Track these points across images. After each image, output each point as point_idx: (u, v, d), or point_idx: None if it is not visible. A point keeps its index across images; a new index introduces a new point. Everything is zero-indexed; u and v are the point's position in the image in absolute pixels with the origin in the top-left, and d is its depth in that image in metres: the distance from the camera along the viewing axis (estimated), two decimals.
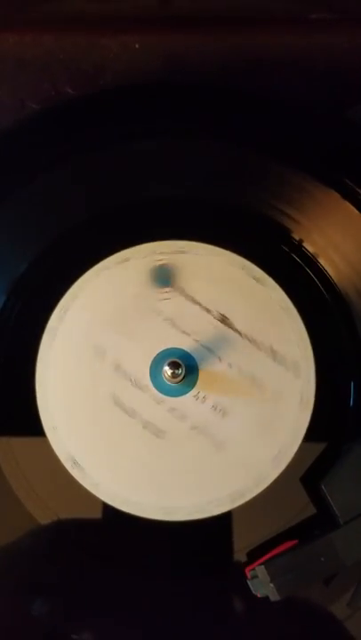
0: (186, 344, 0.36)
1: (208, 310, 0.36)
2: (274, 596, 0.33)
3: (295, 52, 0.44)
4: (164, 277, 0.36)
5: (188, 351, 0.36)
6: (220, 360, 0.36)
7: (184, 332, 0.36)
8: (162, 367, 0.35)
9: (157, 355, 0.36)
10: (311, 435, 0.35)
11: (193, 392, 0.36)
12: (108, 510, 0.35)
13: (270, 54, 0.43)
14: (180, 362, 0.35)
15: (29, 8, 0.42)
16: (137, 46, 0.42)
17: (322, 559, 0.33)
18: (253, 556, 0.34)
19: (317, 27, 0.44)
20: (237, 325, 0.36)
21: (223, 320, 0.36)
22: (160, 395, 0.36)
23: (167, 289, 0.36)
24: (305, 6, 0.43)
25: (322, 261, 0.37)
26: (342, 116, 0.42)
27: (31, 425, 0.36)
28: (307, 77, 0.44)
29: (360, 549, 0.33)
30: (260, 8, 0.43)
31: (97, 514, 0.35)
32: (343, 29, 0.44)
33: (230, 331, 0.36)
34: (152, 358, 0.36)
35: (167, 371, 0.35)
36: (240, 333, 0.36)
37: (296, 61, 0.44)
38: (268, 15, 0.43)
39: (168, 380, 0.35)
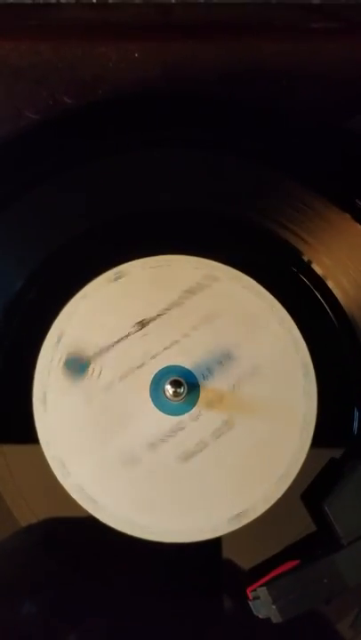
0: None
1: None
2: (276, 618, 0.33)
3: (295, 62, 0.44)
4: (76, 367, 0.35)
5: (192, 370, 0.35)
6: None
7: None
8: (163, 384, 0.35)
9: (159, 371, 0.36)
10: (313, 452, 0.35)
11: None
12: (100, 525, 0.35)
13: (270, 63, 0.43)
14: (181, 380, 0.34)
15: (27, 16, 0.41)
16: (136, 55, 0.41)
17: (325, 580, 0.33)
18: (255, 575, 0.34)
19: (318, 36, 0.44)
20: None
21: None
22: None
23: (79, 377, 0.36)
24: (305, 15, 0.43)
25: (330, 283, 0.37)
26: (344, 126, 0.42)
27: (25, 431, 0.35)
28: (307, 87, 0.44)
29: None
30: (260, 17, 0.43)
31: (87, 526, 0.35)
32: (343, 38, 0.44)
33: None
34: (153, 375, 0.36)
35: (169, 389, 0.34)
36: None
37: (296, 70, 0.43)
38: (267, 24, 0.43)
39: (169, 399, 0.35)
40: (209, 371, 0.35)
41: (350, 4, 0.44)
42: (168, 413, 0.35)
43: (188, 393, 0.35)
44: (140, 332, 0.36)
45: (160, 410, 0.35)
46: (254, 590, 0.33)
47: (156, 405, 0.35)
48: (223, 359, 0.35)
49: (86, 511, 0.35)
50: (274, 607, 0.33)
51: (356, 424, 0.35)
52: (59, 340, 0.36)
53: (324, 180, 0.37)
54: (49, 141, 0.39)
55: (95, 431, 0.35)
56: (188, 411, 0.35)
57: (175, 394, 0.34)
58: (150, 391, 0.36)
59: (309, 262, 0.37)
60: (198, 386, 0.35)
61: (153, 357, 0.36)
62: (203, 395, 0.35)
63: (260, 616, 0.33)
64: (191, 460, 0.35)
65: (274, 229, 0.37)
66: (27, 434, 0.35)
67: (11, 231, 0.37)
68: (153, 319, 0.36)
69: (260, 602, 0.33)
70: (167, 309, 0.36)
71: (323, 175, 0.37)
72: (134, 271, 0.36)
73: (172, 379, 0.34)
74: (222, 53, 0.42)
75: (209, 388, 0.35)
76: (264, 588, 0.33)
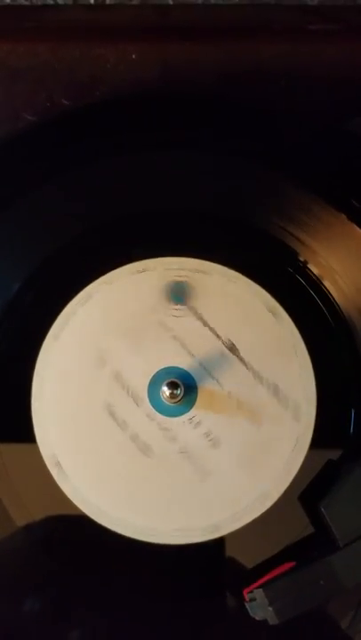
0: (188, 364, 0.35)
1: (217, 334, 0.36)
2: (272, 620, 0.33)
3: (293, 63, 0.43)
4: (178, 294, 0.35)
5: (190, 372, 0.35)
6: (220, 387, 0.35)
7: (189, 352, 0.36)
8: (161, 384, 0.35)
9: (159, 371, 0.36)
10: (311, 454, 0.35)
11: (188, 415, 0.35)
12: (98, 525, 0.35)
13: (268, 65, 0.43)
14: (179, 382, 0.34)
15: (24, 17, 0.41)
16: (134, 56, 0.41)
17: (321, 582, 0.33)
18: (251, 576, 0.34)
19: (316, 37, 0.44)
20: (244, 355, 0.36)
21: (231, 347, 0.36)
22: (155, 412, 0.35)
23: (180, 306, 0.36)
24: (304, 17, 0.43)
25: (326, 283, 0.37)
26: (343, 128, 0.41)
27: (22, 431, 0.36)
28: (305, 88, 0.43)
29: (360, 572, 0.33)
30: (259, 18, 0.43)
31: (80, 522, 0.35)
32: (342, 40, 0.44)
33: (236, 359, 0.35)
34: (153, 374, 0.36)
35: (165, 390, 0.34)
36: (245, 364, 0.35)
37: (294, 72, 0.43)
38: (266, 26, 0.43)
39: (166, 400, 0.35)
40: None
41: (349, 5, 0.44)
42: (165, 415, 0.35)
43: (186, 395, 0.35)
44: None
45: (157, 411, 0.35)
46: (251, 592, 0.33)
47: (153, 407, 0.35)
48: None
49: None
50: (270, 609, 0.33)
51: (353, 425, 0.35)
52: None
53: (320, 180, 0.37)
54: (47, 143, 0.39)
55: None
56: (185, 412, 0.35)
57: (172, 395, 0.34)
58: (148, 392, 0.36)
59: (305, 263, 0.37)
60: (196, 387, 0.35)
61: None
62: (200, 396, 0.35)
63: (257, 618, 0.33)
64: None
65: (270, 230, 0.37)
66: (23, 433, 0.36)
67: (8, 233, 0.37)
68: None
69: (256, 603, 0.33)
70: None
71: (319, 176, 0.37)
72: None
73: (168, 380, 0.34)
74: (220, 55, 0.42)
75: (207, 389, 0.35)
76: (260, 589, 0.33)
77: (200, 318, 0.36)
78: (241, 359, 0.36)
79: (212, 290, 0.36)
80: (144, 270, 0.36)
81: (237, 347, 0.36)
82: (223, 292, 0.36)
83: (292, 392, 0.35)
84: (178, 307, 0.36)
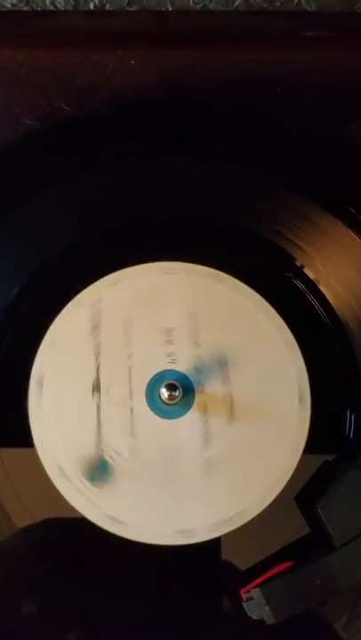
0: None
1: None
2: (270, 619, 0.33)
3: (292, 69, 0.44)
4: (97, 475, 0.36)
5: (186, 374, 0.36)
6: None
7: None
8: (159, 388, 0.35)
9: (155, 375, 0.36)
10: (307, 455, 0.35)
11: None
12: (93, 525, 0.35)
13: (267, 71, 0.43)
14: (177, 384, 0.35)
15: (25, 23, 0.42)
16: (133, 62, 0.42)
17: (318, 582, 0.33)
18: (249, 576, 0.34)
19: (313, 44, 0.44)
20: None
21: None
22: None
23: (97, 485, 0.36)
24: (301, 23, 0.43)
25: (322, 288, 0.37)
26: (339, 134, 0.42)
27: (22, 435, 0.36)
28: (303, 94, 0.44)
29: (356, 572, 0.33)
30: (256, 25, 0.43)
31: (82, 527, 0.35)
32: (339, 46, 0.44)
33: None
34: (150, 377, 0.36)
35: (164, 392, 0.35)
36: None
37: (292, 78, 0.44)
38: (263, 32, 0.43)
39: (164, 402, 0.35)
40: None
41: (345, 12, 0.45)
42: (163, 417, 0.36)
43: (184, 397, 0.35)
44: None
45: (155, 413, 0.36)
46: (248, 591, 0.34)
47: (151, 409, 0.36)
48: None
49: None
50: (267, 608, 0.33)
51: (349, 427, 0.36)
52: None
53: (317, 186, 0.38)
54: (47, 148, 0.39)
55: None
56: (183, 414, 0.36)
57: (170, 397, 0.35)
58: (146, 395, 0.36)
59: (302, 267, 0.37)
60: (194, 390, 0.36)
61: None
62: (198, 399, 0.36)
63: (254, 617, 0.33)
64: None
65: (267, 235, 0.37)
66: (23, 437, 0.36)
67: (9, 237, 0.37)
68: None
69: (253, 603, 0.33)
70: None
71: (316, 182, 0.38)
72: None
73: (167, 382, 0.35)
74: (218, 60, 0.43)
75: (204, 392, 0.36)
76: (258, 589, 0.33)
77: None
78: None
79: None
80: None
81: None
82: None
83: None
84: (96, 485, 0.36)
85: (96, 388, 0.36)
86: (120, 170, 0.38)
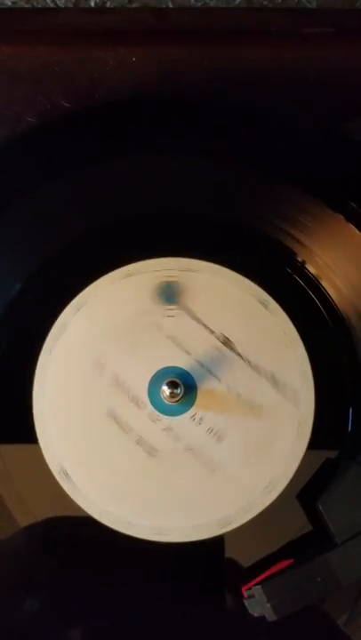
0: (186, 363, 0.36)
1: (211, 331, 0.36)
2: (270, 616, 0.33)
3: (292, 66, 0.44)
4: (169, 294, 0.36)
5: (188, 371, 0.36)
6: (219, 382, 0.36)
7: (185, 351, 0.36)
8: (160, 385, 0.35)
9: (157, 372, 0.36)
10: (309, 452, 0.35)
11: (190, 413, 0.36)
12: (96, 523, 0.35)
13: (267, 68, 0.43)
14: (178, 381, 0.35)
15: (25, 20, 0.42)
16: (133, 59, 0.42)
17: (319, 579, 0.33)
18: (250, 574, 0.34)
19: (313, 41, 0.44)
20: (239, 349, 0.36)
21: (226, 342, 0.36)
22: (157, 413, 0.36)
23: (172, 306, 0.36)
24: (302, 20, 0.43)
25: (324, 283, 0.37)
26: (340, 130, 0.42)
27: (25, 433, 0.36)
28: (303, 91, 0.44)
29: (357, 569, 0.33)
30: (257, 22, 0.43)
31: (85, 525, 0.35)
32: (339, 43, 0.44)
33: (232, 353, 0.36)
34: (151, 375, 0.36)
35: (165, 390, 0.35)
36: (242, 357, 0.36)
37: (292, 75, 0.44)
38: (264, 29, 0.43)
39: (166, 399, 0.35)
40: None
41: (346, 9, 0.45)
42: (166, 414, 0.36)
43: (186, 394, 0.35)
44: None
45: (158, 410, 0.36)
46: (249, 589, 0.34)
47: (153, 406, 0.36)
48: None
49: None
50: (268, 605, 0.33)
51: (350, 424, 0.36)
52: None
53: (318, 182, 0.38)
54: (47, 145, 0.39)
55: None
56: (185, 412, 0.36)
57: (172, 395, 0.35)
58: (148, 394, 0.36)
59: (303, 263, 0.37)
60: (196, 387, 0.36)
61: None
62: (200, 396, 0.36)
63: (255, 614, 0.33)
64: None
65: (269, 231, 0.37)
66: (25, 434, 0.36)
67: (9, 234, 0.37)
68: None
69: (254, 600, 0.33)
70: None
71: (317, 177, 0.38)
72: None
73: (168, 380, 0.35)
74: (219, 58, 0.43)
75: (206, 389, 0.36)
76: (259, 586, 0.33)
77: (193, 316, 0.36)
78: (237, 353, 0.36)
79: (202, 287, 0.36)
80: (137, 272, 0.36)
81: (232, 341, 0.36)
82: (214, 289, 0.36)
83: (290, 389, 0.35)
84: (170, 307, 0.36)
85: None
86: (120, 166, 0.38)
